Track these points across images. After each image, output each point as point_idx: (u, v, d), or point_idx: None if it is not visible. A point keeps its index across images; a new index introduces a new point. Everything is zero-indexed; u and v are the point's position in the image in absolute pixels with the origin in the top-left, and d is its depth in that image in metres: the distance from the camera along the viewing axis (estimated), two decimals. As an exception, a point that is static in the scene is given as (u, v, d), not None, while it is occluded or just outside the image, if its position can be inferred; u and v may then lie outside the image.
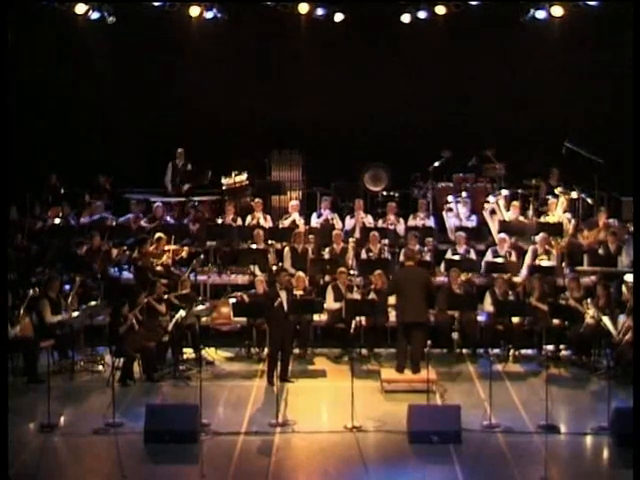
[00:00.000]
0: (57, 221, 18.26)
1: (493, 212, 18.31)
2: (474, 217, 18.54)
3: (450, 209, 18.72)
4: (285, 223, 18.30)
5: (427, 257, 16.96)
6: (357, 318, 15.12)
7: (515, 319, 15.51)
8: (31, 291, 14.75)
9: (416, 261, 15.27)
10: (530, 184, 19.29)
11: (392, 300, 15.23)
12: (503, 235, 17.22)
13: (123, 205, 19.29)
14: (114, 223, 18.25)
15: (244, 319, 15.65)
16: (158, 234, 16.83)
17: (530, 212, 18.47)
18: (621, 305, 15.35)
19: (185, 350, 15.22)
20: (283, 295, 14.44)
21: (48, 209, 18.72)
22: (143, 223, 18.30)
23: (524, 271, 16.62)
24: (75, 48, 20.27)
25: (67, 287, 15.91)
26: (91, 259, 16.74)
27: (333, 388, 14.21)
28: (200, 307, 15.33)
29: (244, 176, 19.42)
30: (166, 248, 16.70)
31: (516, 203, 18.36)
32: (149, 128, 20.60)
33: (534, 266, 16.46)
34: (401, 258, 16.91)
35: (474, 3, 19.44)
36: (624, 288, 15.59)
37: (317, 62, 20.39)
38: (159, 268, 16.35)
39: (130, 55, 20.34)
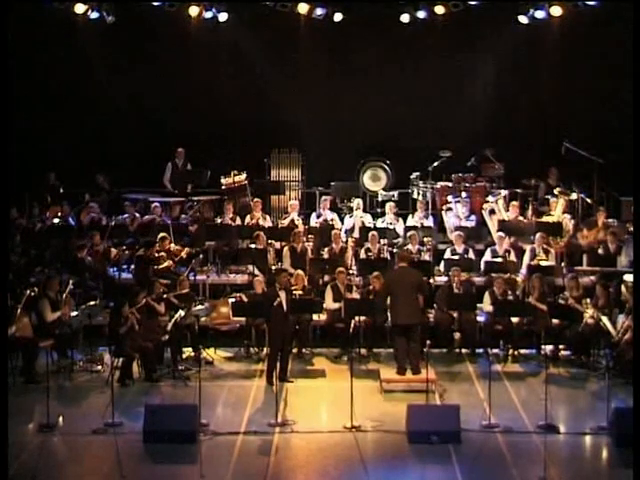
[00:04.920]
0: (56, 221, 18.26)
1: (492, 212, 18.30)
2: (473, 217, 18.54)
3: (450, 209, 18.71)
4: (284, 223, 18.30)
5: (427, 257, 16.96)
6: (356, 318, 15.11)
7: (514, 319, 15.51)
8: (28, 291, 14.74)
9: (409, 262, 15.22)
10: (529, 184, 19.31)
11: (391, 300, 15.26)
12: (502, 235, 17.21)
13: (122, 205, 19.27)
14: (112, 223, 18.22)
15: (243, 319, 15.65)
16: (162, 234, 16.84)
17: (529, 212, 18.46)
18: (620, 305, 15.36)
19: (184, 350, 15.22)
20: (282, 295, 14.43)
21: (47, 209, 18.71)
22: (146, 218, 18.33)
23: (523, 271, 16.62)
24: (74, 48, 20.26)
25: (67, 286, 15.93)
26: (90, 260, 16.74)
27: (332, 388, 14.21)
28: (199, 307, 15.33)
29: (243, 176, 19.43)
30: (169, 247, 16.72)
31: (515, 203, 18.35)
32: (149, 128, 20.59)
33: (533, 266, 16.46)
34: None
35: (473, 3, 19.43)
36: (623, 288, 15.59)
37: (317, 62, 20.40)
38: (161, 267, 16.36)
39: (129, 55, 20.33)
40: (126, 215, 18.63)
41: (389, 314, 14.91)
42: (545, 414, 12.59)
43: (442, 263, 16.92)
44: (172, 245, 16.87)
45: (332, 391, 14.09)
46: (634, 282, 14.97)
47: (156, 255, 16.51)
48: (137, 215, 18.60)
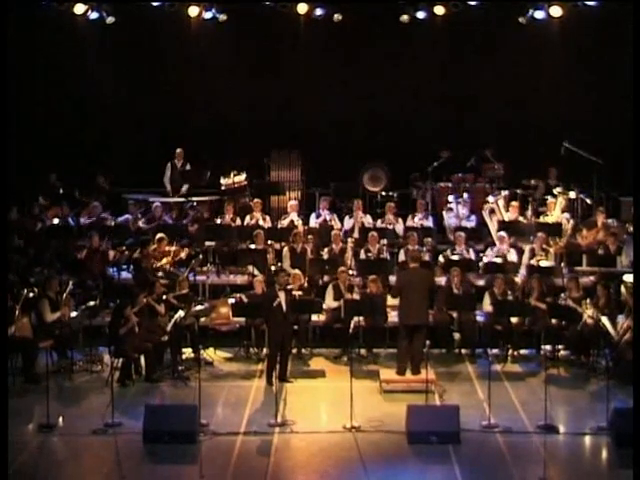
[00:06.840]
0: (56, 221, 18.25)
1: (492, 212, 18.30)
2: (473, 217, 18.53)
3: (450, 209, 18.71)
4: (283, 223, 18.29)
5: (426, 257, 16.95)
6: (356, 318, 15.12)
7: (514, 319, 15.50)
8: (25, 291, 14.73)
9: (420, 262, 15.24)
10: (529, 184, 19.32)
11: (391, 301, 15.23)
12: (502, 235, 17.21)
13: (122, 205, 19.28)
14: (113, 223, 18.22)
15: (243, 319, 15.65)
16: (160, 235, 16.84)
17: (529, 212, 18.46)
18: (620, 305, 15.36)
19: (184, 350, 15.22)
20: (282, 295, 14.43)
21: (47, 209, 18.69)
22: (141, 224, 18.29)
23: (523, 271, 16.62)
24: (74, 48, 20.27)
25: (67, 287, 15.93)
26: (90, 261, 16.74)
27: (332, 388, 14.21)
28: (199, 307, 15.33)
29: (243, 176, 19.42)
30: (167, 249, 16.71)
31: (515, 203, 18.36)
32: (149, 128, 20.60)
33: (533, 266, 16.45)
34: (400, 258, 16.93)
35: (473, 3, 19.45)
36: (623, 288, 15.58)
37: (316, 62, 20.39)
38: (158, 266, 16.35)
39: (129, 55, 20.34)
40: (129, 215, 18.62)
41: (395, 314, 14.91)
42: (545, 414, 12.59)
43: (440, 263, 16.90)
44: (171, 247, 16.84)
45: (332, 391, 14.08)
46: (634, 282, 14.97)
47: (152, 254, 16.49)
48: (139, 215, 18.59)
